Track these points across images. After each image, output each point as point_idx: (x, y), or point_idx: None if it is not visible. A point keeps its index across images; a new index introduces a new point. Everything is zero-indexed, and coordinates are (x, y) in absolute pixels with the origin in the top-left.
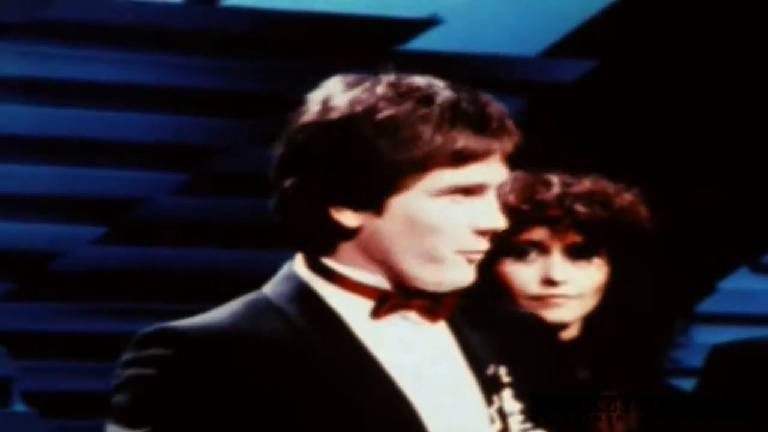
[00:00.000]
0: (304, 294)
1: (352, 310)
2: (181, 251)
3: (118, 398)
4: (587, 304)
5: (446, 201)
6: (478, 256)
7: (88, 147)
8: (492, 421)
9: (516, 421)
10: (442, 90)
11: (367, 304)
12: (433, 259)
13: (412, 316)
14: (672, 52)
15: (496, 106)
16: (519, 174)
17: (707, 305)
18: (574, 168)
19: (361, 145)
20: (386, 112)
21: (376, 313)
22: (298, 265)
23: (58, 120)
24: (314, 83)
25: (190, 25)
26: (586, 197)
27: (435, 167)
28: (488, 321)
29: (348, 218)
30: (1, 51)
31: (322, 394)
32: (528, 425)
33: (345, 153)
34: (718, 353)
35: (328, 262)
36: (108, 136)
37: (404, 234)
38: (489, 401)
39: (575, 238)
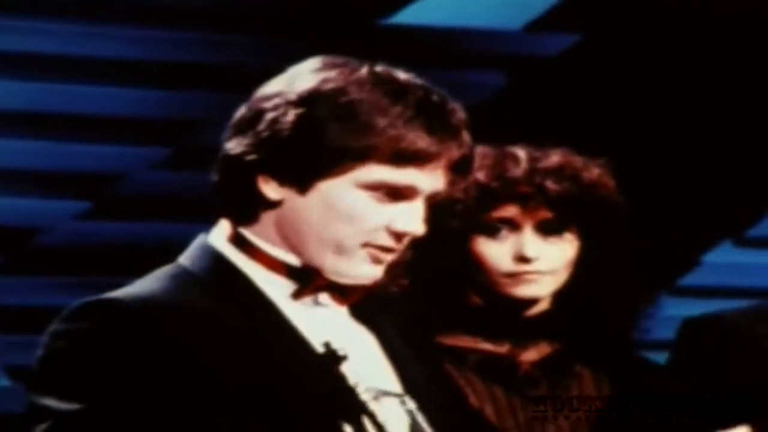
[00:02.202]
0: (224, 269)
1: (273, 288)
2: (164, 226)
3: (50, 370)
4: (559, 279)
5: (368, 194)
6: (385, 255)
7: (71, 122)
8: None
9: (363, 390)
10: (416, 88)
11: (285, 282)
12: (338, 248)
13: (323, 297)
14: (656, 26)
15: (460, 115)
16: (484, 149)
17: (691, 278)
18: (544, 141)
19: (311, 122)
20: (351, 96)
21: (299, 294)
22: (215, 237)
23: (41, 95)
24: (297, 57)
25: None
26: (556, 173)
27: (373, 161)
28: (388, 303)
29: (271, 190)
30: None
31: (252, 367)
32: (370, 396)
33: (292, 126)
34: (690, 326)
35: (248, 233)
36: (90, 110)
37: (318, 218)
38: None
39: (546, 214)
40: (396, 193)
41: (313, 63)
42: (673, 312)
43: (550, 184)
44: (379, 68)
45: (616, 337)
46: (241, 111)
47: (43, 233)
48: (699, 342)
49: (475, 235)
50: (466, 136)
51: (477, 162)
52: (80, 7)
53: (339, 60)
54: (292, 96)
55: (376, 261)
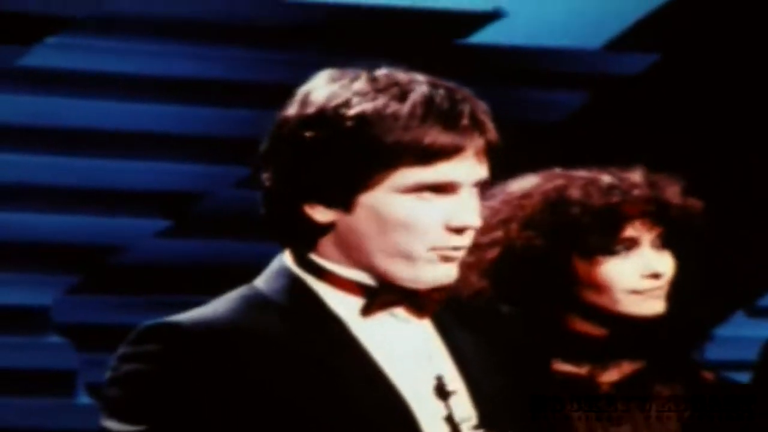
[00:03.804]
0: (300, 290)
1: (345, 308)
2: (245, 244)
3: (114, 392)
4: None
5: (413, 198)
6: (455, 253)
7: (152, 140)
8: (441, 428)
9: (468, 427)
10: (420, 86)
11: (357, 301)
12: (406, 256)
13: (400, 312)
14: (737, 45)
15: (473, 103)
16: (584, 171)
17: None
18: (623, 160)
19: (330, 141)
20: (357, 108)
21: (367, 311)
22: (288, 259)
23: (123, 114)
24: None
25: (253, 18)
26: (671, 189)
27: (402, 165)
28: (471, 315)
29: (320, 214)
30: (64, 45)
31: (320, 392)
32: (481, 431)
33: (316, 148)
34: None
35: (314, 257)
36: (172, 129)
37: (375, 231)
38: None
39: (659, 228)
40: (438, 189)
41: (315, 81)
42: (754, 333)
43: (673, 199)
44: (377, 73)
45: (694, 356)
46: (265, 141)
47: (124, 251)
48: None
49: (596, 255)
50: (487, 123)
51: (585, 184)
52: (161, 26)
53: (337, 73)
54: (302, 119)
55: (447, 260)
